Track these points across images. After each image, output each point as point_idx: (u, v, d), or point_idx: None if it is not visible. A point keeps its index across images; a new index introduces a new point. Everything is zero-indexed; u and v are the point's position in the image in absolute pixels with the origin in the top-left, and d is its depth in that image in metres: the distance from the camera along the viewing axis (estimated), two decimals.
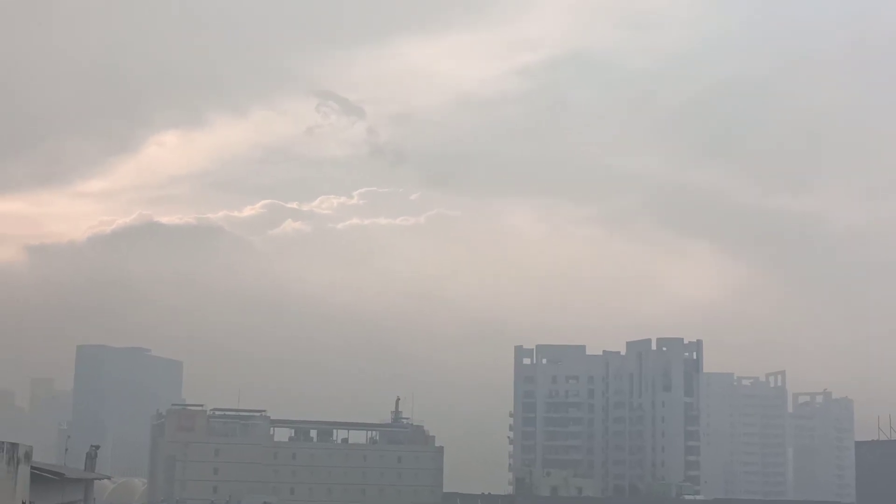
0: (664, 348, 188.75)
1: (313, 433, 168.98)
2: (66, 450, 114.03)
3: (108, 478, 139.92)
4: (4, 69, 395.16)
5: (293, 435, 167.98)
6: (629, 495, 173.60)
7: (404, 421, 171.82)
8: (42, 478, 43.82)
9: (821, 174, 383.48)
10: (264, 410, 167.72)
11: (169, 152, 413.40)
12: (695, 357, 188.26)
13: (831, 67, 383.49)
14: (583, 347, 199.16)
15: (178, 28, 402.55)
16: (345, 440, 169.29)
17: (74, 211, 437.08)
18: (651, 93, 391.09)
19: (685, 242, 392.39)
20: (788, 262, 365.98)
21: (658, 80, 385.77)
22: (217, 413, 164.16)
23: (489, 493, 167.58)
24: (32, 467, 39.24)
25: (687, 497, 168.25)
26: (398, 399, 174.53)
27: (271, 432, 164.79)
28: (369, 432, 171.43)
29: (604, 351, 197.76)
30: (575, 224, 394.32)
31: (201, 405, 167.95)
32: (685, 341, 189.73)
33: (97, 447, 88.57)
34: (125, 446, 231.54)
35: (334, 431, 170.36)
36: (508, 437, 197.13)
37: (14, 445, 34.95)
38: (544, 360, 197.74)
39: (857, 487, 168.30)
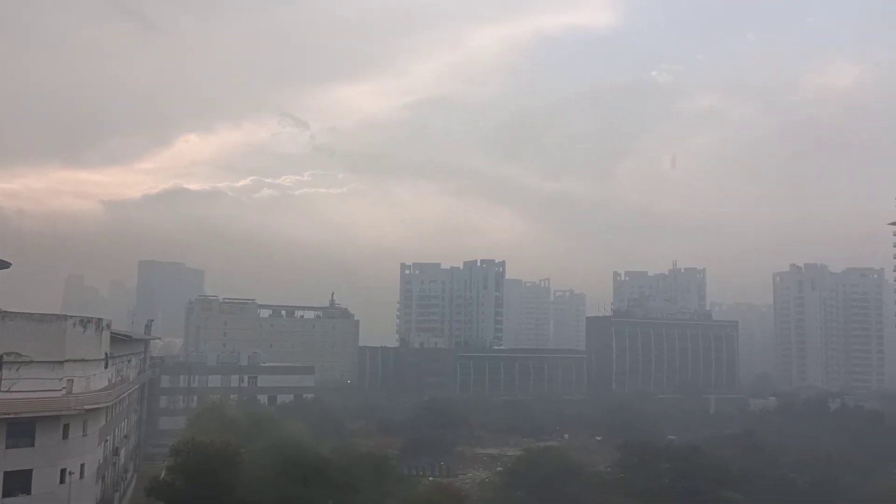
0: (484, 265, 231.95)
1: (283, 312, 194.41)
2: (132, 322, 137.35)
3: (159, 338, 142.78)
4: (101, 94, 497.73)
5: (271, 314, 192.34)
6: (463, 346, 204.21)
7: (337, 306, 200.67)
8: (117, 339, 51.27)
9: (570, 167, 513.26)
10: (254, 299, 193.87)
11: (192, 146, 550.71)
12: (501, 270, 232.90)
13: None
14: (439, 264, 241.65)
15: (202, 69, 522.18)
16: (302, 316, 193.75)
17: (131, 180, 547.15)
18: (479, 119, 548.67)
19: (497, 209, 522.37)
20: (554, 223, 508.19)
21: (482, 111, 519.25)
22: (225, 301, 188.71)
23: (385, 346, 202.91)
24: (112, 332, 46.55)
25: (495, 347, 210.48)
26: (333, 293, 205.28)
27: (258, 312, 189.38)
28: (316, 313, 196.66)
29: (451, 266, 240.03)
30: (433, 195, 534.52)
31: (216, 296, 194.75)
32: (496, 261, 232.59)
33: (152, 320, 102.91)
34: (170, 321, 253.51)
35: (296, 311, 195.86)
36: (397, 315, 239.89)
37: (100, 320, 43.10)
38: (417, 272, 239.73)
39: (587, 342, 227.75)
